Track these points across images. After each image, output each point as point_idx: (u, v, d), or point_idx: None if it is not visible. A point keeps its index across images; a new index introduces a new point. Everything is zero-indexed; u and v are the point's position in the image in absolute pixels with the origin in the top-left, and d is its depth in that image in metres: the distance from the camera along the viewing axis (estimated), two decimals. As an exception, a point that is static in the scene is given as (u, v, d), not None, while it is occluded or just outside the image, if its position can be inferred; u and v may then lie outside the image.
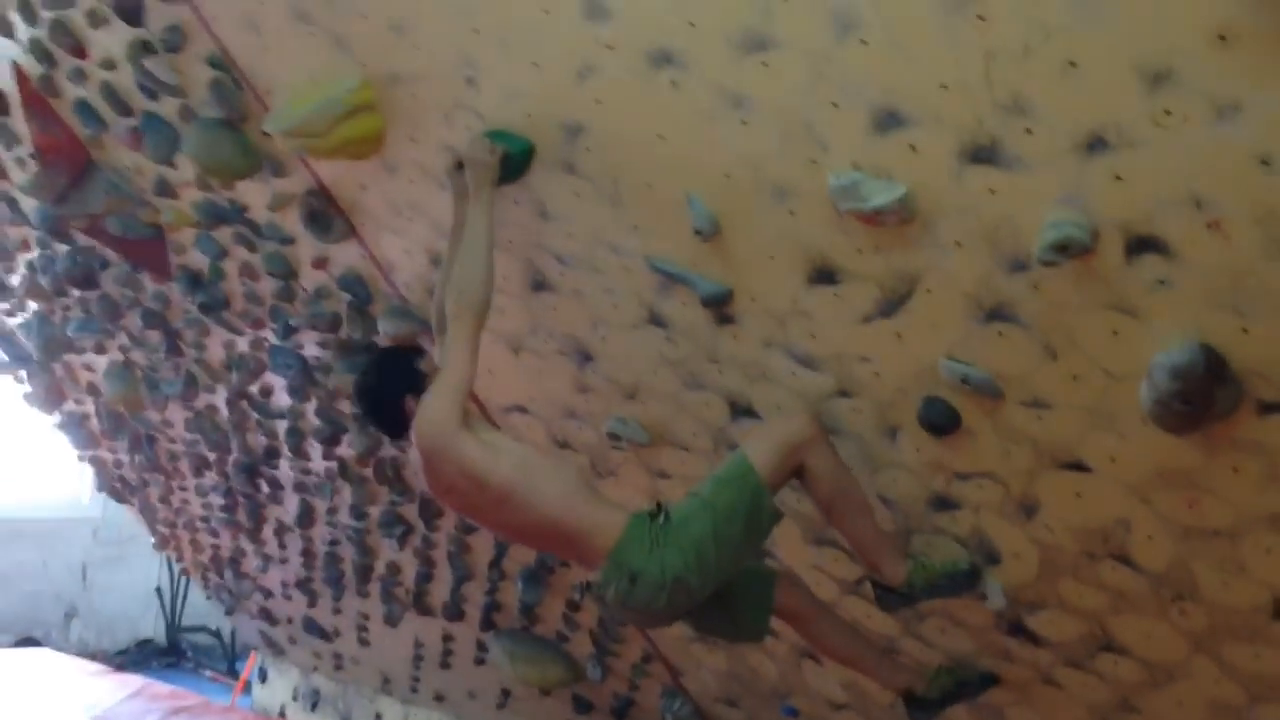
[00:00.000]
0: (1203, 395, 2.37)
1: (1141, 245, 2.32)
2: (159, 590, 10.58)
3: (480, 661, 6.03)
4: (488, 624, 5.66)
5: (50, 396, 7.02)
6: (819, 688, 4.26)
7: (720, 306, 3.18)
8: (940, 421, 2.96)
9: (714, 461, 3.65)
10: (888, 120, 2.49)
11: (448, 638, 6.13)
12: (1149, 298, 2.38)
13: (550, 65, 2.98)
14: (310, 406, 5.27)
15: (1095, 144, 2.24)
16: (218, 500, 6.85)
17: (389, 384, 3.17)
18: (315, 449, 5.54)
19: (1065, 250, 2.38)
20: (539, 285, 3.64)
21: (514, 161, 3.20)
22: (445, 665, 6.41)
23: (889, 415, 3.09)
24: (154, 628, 10.63)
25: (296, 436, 5.55)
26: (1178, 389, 2.37)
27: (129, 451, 7.09)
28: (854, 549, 3.29)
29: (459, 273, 3.06)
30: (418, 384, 3.12)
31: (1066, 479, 2.86)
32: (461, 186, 3.25)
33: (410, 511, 5.40)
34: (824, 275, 2.89)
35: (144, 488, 7.52)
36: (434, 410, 2.98)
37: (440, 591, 5.78)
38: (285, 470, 5.97)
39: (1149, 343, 2.43)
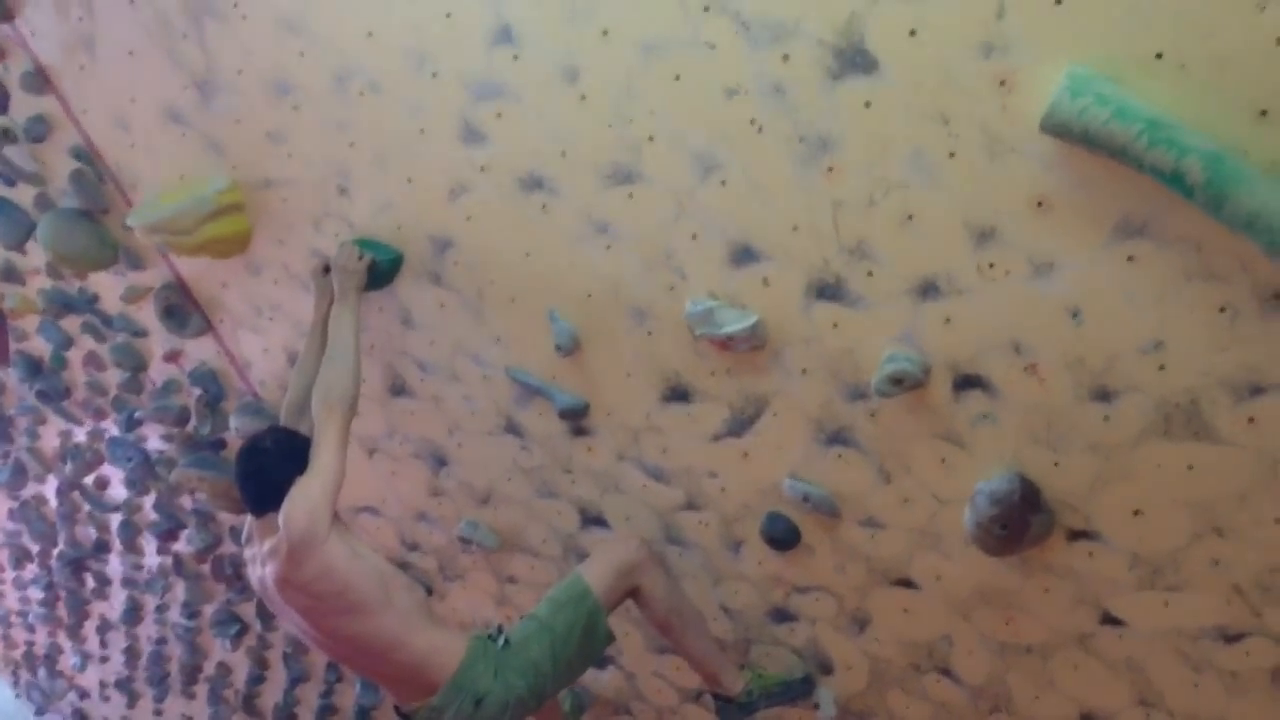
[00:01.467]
0: (1018, 521, 2.58)
1: (968, 383, 2.54)
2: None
3: (310, 769, 5.88)
4: (321, 729, 5.54)
5: None
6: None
7: (576, 419, 3.30)
8: (782, 536, 3.11)
9: (562, 569, 3.75)
10: (743, 255, 2.68)
11: (277, 744, 5.95)
12: (974, 431, 2.60)
13: (424, 181, 3.09)
14: (149, 500, 5.15)
15: (929, 289, 2.46)
16: (37, 594, 6.57)
17: (284, 461, 2.99)
18: (150, 543, 5.40)
19: (900, 383, 2.58)
20: (398, 390, 3.70)
21: (382, 270, 3.29)
22: (272, 772, 6.21)
23: (734, 529, 3.23)
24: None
25: (130, 530, 5.40)
26: (996, 514, 2.58)
27: (-57, 539, 6.75)
28: (691, 665, 3.39)
29: (328, 373, 3.05)
30: (293, 468, 2.98)
31: (896, 595, 3.04)
32: (325, 288, 3.31)
33: (247, 610, 5.29)
34: (678, 394, 3.04)
35: (-44, 578, 7.14)
36: (312, 504, 2.86)
37: (273, 693, 5.64)
38: (115, 565, 5.78)
39: (973, 471, 2.64)
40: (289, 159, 3.32)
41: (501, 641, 3.09)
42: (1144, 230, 2.15)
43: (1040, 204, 2.23)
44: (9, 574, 6.66)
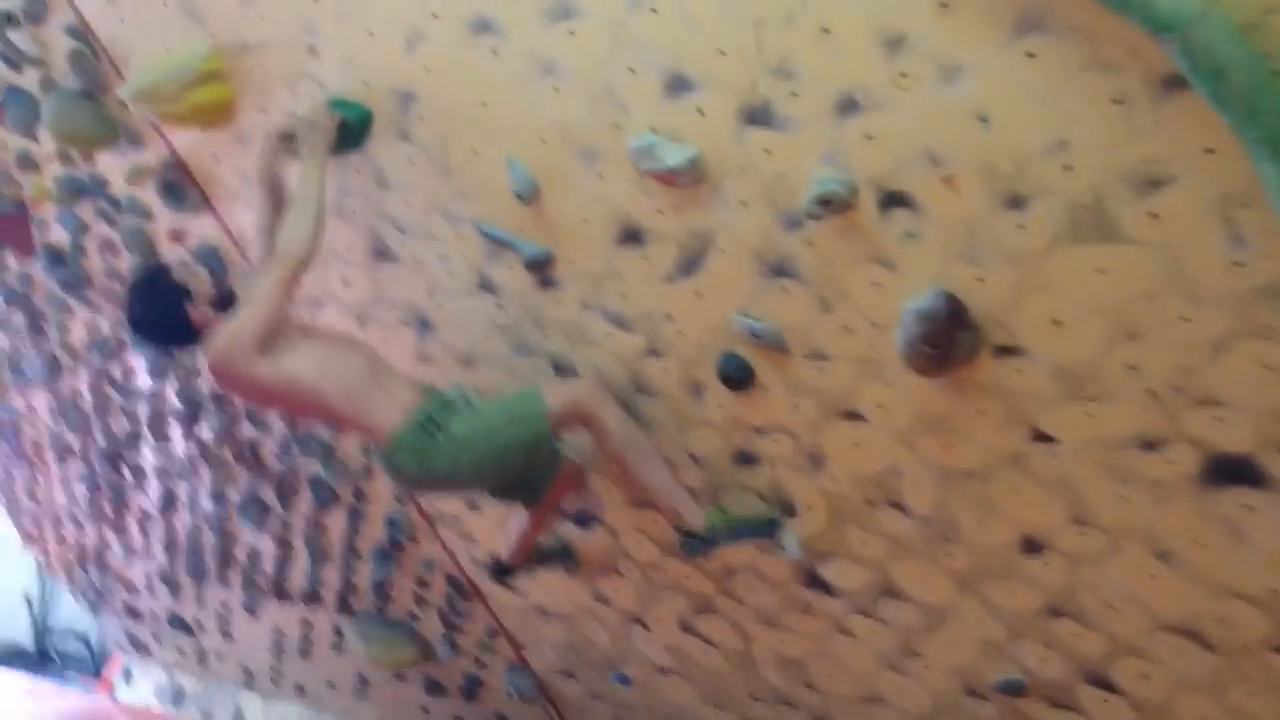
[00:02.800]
0: (945, 339, 2.65)
1: (892, 200, 2.60)
2: (27, 596, 10.40)
3: (337, 648, 6.13)
4: (344, 607, 5.77)
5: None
6: (647, 654, 4.47)
7: (542, 270, 3.40)
8: (736, 375, 3.20)
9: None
10: (677, 85, 2.75)
11: (306, 624, 6.21)
12: (901, 250, 2.66)
13: (383, 33, 3.20)
14: (171, 387, 5.37)
15: (848, 105, 2.52)
16: (82, 490, 6.86)
17: (159, 308, 3.24)
18: (176, 431, 5.63)
19: (829, 204, 2.65)
20: (381, 254, 3.83)
21: (353, 128, 3.40)
22: (305, 654, 6.48)
23: (693, 372, 3.33)
24: (23, 633, 10.43)
25: (158, 419, 5.63)
26: (924, 333, 2.65)
27: (-8, 441, 7.08)
28: (654, 500, 3.52)
29: (289, 222, 3.15)
30: (180, 296, 3.24)
31: (846, 429, 3.12)
32: (275, 152, 3.43)
33: (268, 493, 5.51)
34: (631, 236, 3.13)
35: (9, 480, 7.48)
36: (228, 339, 3.05)
37: (298, 576, 5.88)
38: (148, 455, 6.03)
39: (903, 292, 2.71)
40: (261, 20, 3.44)
41: (440, 434, 3.25)
42: (1040, 24, 2.18)
43: (943, 5, 2.27)
44: (55, 471, 6.95)
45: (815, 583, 3.60)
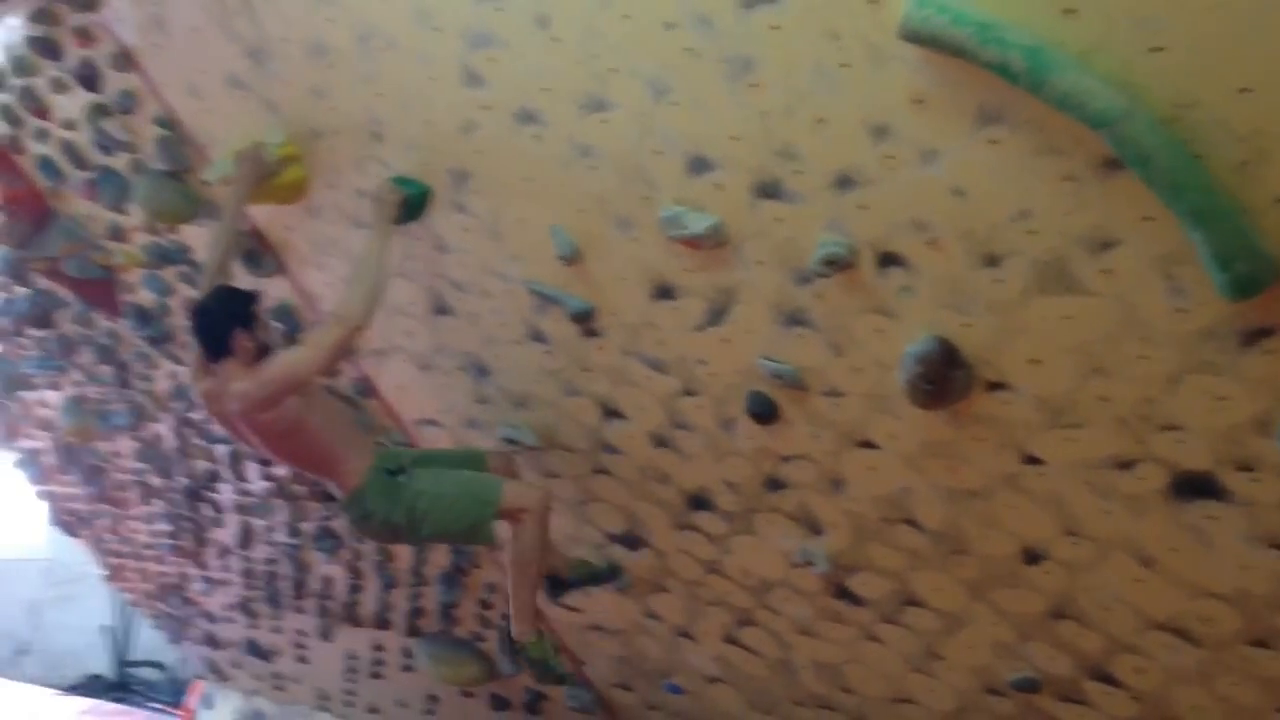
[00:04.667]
0: (940, 377, 3.03)
1: (888, 260, 2.99)
2: (108, 627, 10.95)
3: (408, 668, 6.57)
4: (412, 630, 6.21)
5: (7, 433, 7.52)
6: (696, 664, 4.86)
7: (586, 321, 3.82)
8: (763, 411, 3.60)
9: (590, 461, 4.30)
10: (698, 164, 3.15)
11: (378, 647, 6.66)
12: (898, 302, 3.05)
13: (440, 122, 3.63)
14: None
15: (845, 181, 2.92)
16: (163, 527, 7.35)
17: (226, 313, 3.62)
18: (253, 469, 6.09)
19: (833, 264, 3.05)
20: (441, 310, 4.27)
21: (415, 203, 3.84)
22: (376, 675, 6.93)
23: (724, 409, 3.73)
24: (103, 664, 10.98)
25: (236, 459, 6.11)
26: (921, 372, 3.04)
27: (81, 484, 7.58)
28: (510, 601, 4.14)
29: (350, 290, 3.57)
30: (249, 322, 3.61)
31: (862, 456, 3.51)
32: (246, 177, 4.00)
33: (340, 524, 5.96)
34: (664, 292, 3.54)
35: (94, 519, 7.99)
36: (284, 370, 3.53)
37: (369, 601, 6.32)
38: (226, 493, 6.50)
39: (902, 337, 3.10)
40: (331, 111, 3.88)
41: (403, 478, 3.84)
42: (998, 117, 2.57)
43: (918, 101, 2.66)
44: (138, 510, 7.45)
45: (844, 594, 3.98)
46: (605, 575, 4.61)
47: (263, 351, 3.64)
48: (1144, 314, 2.66)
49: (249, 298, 3.73)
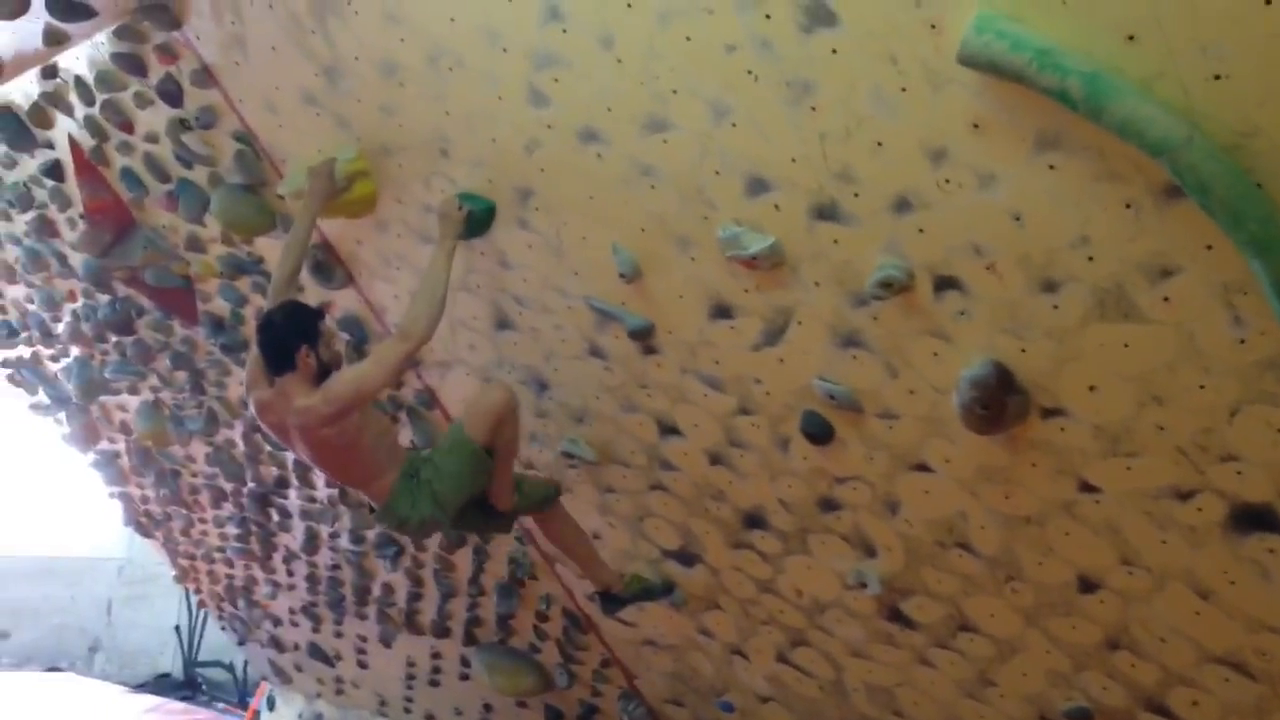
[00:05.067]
0: (996, 401, 3.03)
1: (944, 284, 2.99)
2: (177, 628, 11.20)
3: (464, 677, 6.64)
4: (470, 639, 6.28)
5: (86, 436, 7.74)
6: (748, 683, 4.87)
7: (645, 339, 3.86)
8: (818, 432, 3.61)
9: (649, 477, 4.34)
10: (756, 185, 3.18)
11: (436, 655, 6.74)
12: (954, 325, 3.05)
13: (505, 140, 3.69)
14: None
15: (902, 205, 2.92)
16: (233, 530, 7.51)
17: (293, 330, 3.69)
18: (320, 476, 6.21)
19: (889, 287, 3.06)
20: (503, 324, 4.33)
21: (480, 219, 3.91)
22: (434, 683, 7.01)
23: (780, 429, 3.74)
24: (172, 663, 11.23)
25: (303, 465, 6.23)
26: (976, 396, 3.03)
27: (155, 486, 7.78)
28: (492, 494, 4.19)
29: (415, 306, 3.67)
30: (313, 339, 3.68)
31: (916, 479, 3.50)
32: (318, 193, 4.10)
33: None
34: (721, 311, 3.57)
35: (167, 521, 8.19)
36: (353, 385, 3.63)
37: (429, 609, 6.41)
38: (293, 499, 6.64)
39: (958, 362, 3.09)
40: (400, 128, 3.97)
41: (416, 480, 3.94)
42: (1057, 142, 2.57)
43: (976, 125, 2.67)
44: (210, 513, 7.62)
45: (897, 617, 3.97)
46: (659, 591, 4.67)
47: (324, 368, 3.72)
48: (1203, 343, 2.64)
49: (315, 314, 3.83)
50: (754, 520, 4.16)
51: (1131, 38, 2.32)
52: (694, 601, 4.73)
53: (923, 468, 3.46)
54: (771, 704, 4.86)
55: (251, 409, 3.92)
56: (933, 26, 2.59)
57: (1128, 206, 2.55)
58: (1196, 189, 2.34)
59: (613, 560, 4.72)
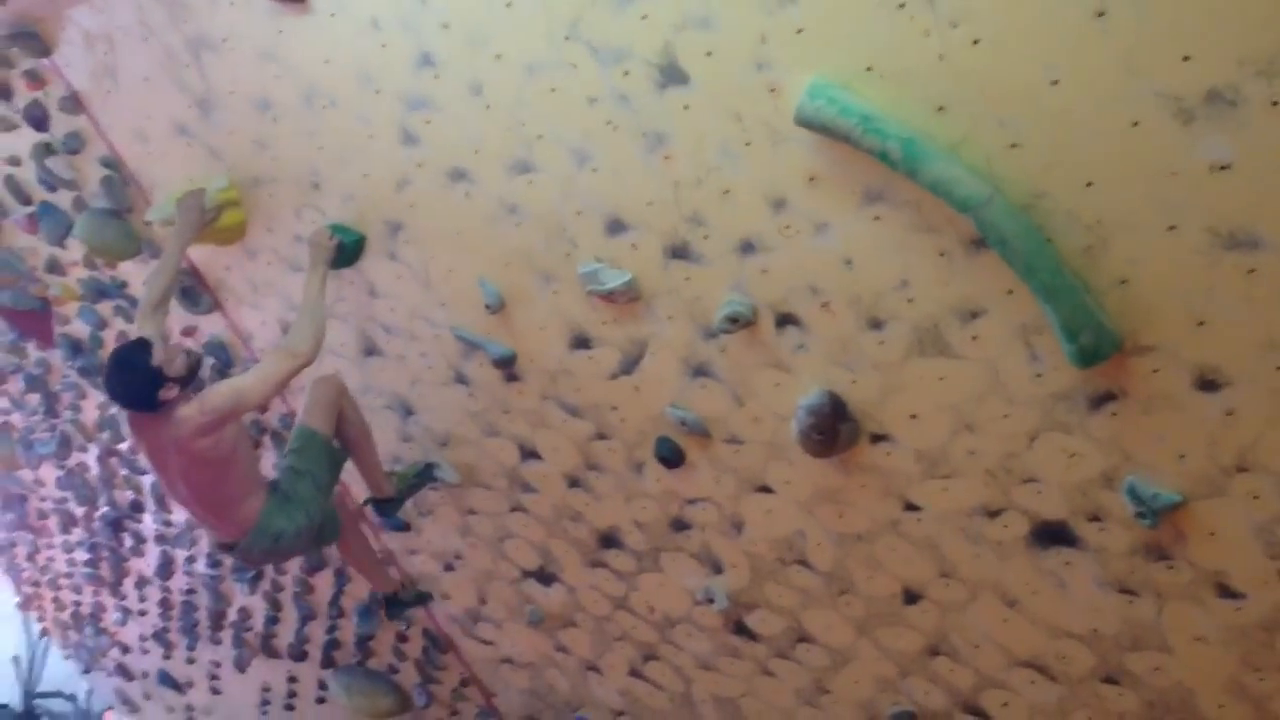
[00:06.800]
0: (830, 428, 3.32)
1: (785, 320, 3.28)
2: (16, 658, 10.84)
3: (321, 700, 6.69)
4: (328, 661, 6.34)
5: (-74, 459, 7.53)
6: (602, 698, 5.08)
7: (508, 367, 4.06)
8: (670, 456, 3.87)
9: (509, 499, 4.54)
10: (616, 226, 3.43)
11: (292, 679, 6.77)
12: (794, 358, 3.34)
13: (376, 176, 3.87)
14: (175, 462, 5.96)
15: (748, 247, 3.21)
16: (82, 556, 7.42)
17: (137, 385, 3.63)
18: (177, 501, 6.21)
19: (736, 322, 3.33)
20: (370, 351, 4.49)
21: (350, 249, 4.07)
22: (290, 707, 7.03)
23: (635, 453, 3.99)
24: (10, 694, 10.85)
25: (160, 489, 6.22)
26: (812, 423, 3.33)
27: (0, 511, 7.62)
28: (365, 474, 4.44)
29: (297, 327, 3.79)
30: (159, 380, 3.61)
31: (760, 500, 3.78)
32: (192, 222, 4.13)
33: (261, 557, 6.09)
34: (581, 341, 3.80)
35: (11, 548, 8.01)
36: (232, 397, 3.67)
37: (286, 633, 6.45)
38: (148, 523, 6.61)
39: (796, 391, 3.39)
40: (273, 161, 4.11)
41: (280, 495, 4.02)
42: (882, 196, 2.88)
43: (812, 179, 2.97)
44: (58, 538, 7.50)
45: (741, 630, 4.24)
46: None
47: (186, 377, 3.70)
48: (1006, 377, 2.97)
49: (140, 349, 3.67)
50: (609, 540, 4.39)
51: (941, 109, 2.65)
52: (551, 620, 4.93)
53: (765, 489, 3.74)
54: (624, 717, 5.08)
55: (129, 435, 3.94)
56: (773, 90, 2.88)
57: (941, 255, 2.88)
58: (997, 241, 2.68)
59: (474, 580, 4.90)
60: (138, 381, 3.63)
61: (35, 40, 4.35)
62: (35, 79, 4.54)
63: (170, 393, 3.65)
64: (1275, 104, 2.26)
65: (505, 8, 3.17)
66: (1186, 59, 2.30)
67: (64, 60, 4.43)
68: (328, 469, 4.13)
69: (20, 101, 4.68)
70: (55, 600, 8.28)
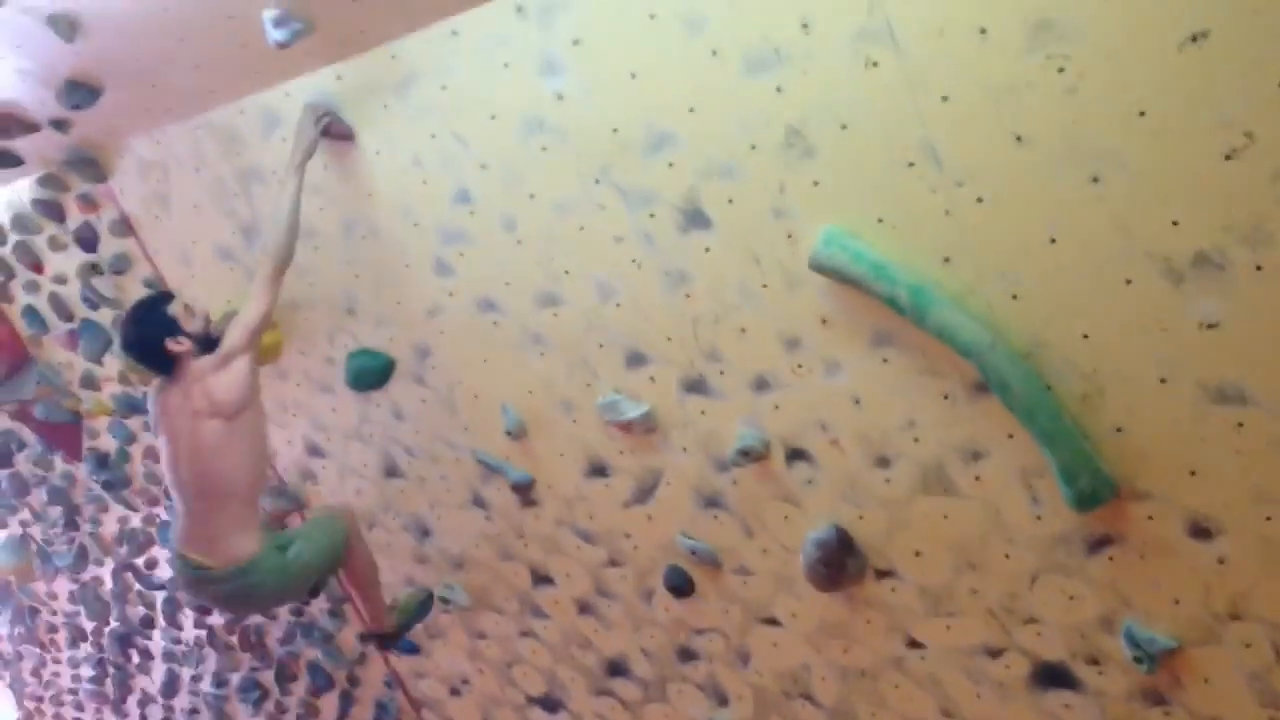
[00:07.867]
0: (837, 561, 3.42)
1: (795, 455, 3.41)
2: (9, 776, 10.68)
3: (318, 827, 6.61)
4: (328, 787, 6.30)
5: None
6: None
7: (525, 492, 4.18)
8: (680, 585, 3.95)
9: (520, 624, 4.60)
10: (635, 359, 3.59)
11: (290, 804, 6.71)
12: (803, 492, 3.46)
13: (409, 304, 4.06)
14: (190, 577, 6.04)
15: (762, 384, 3.36)
16: (88, 672, 7.42)
17: (148, 331, 3.68)
18: (188, 617, 6.27)
19: (749, 455, 3.46)
20: (391, 472, 4.62)
21: (379, 372, 4.24)
22: (286, 834, 6.94)
23: (645, 580, 4.08)
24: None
25: (173, 605, 6.29)
26: (820, 556, 3.43)
27: (9, 624, 7.65)
28: (367, 608, 4.52)
29: (270, 233, 3.69)
30: (172, 326, 3.67)
31: (766, 632, 3.85)
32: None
33: (267, 677, 6.12)
34: (598, 469, 3.93)
35: (18, 661, 8.01)
36: (243, 329, 3.68)
37: (288, 756, 6.42)
38: (157, 640, 6.65)
39: (805, 524, 3.49)
40: (310, 287, 4.31)
41: (286, 555, 4.01)
42: (890, 339, 3.04)
43: (824, 321, 3.13)
44: (65, 654, 7.52)
45: (745, 765, 4.26)
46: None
47: (204, 341, 3.73)
48: (1008, 518, 3.08)
49: (160, 301, 3.76)
50: (617, 668, 4.44)
51: (947, 260, 2.82)
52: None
53: (772, 621, 3.82)
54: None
55: (153, 415, 3.88)
56: (789, 236, 3.06)
57: (945, 397, 3.02)
58: (999, 387, 2.82)
59: (480, 705, 4.93)
60: (149, 324, 3.68)
61: (93, 166, 4.60)
62: (89, 202, 4.78)
63: (179, 345, 3.68)
64: (1260, 269, 2.42)
65: (541, 150, 3.39)
66: (1175, 223, 2.46)
67: (118, 185, 4.68)
68: (330, 552, 4.17)
69: (72, 223, 4.91)
70: (56, 716, 8.24)
